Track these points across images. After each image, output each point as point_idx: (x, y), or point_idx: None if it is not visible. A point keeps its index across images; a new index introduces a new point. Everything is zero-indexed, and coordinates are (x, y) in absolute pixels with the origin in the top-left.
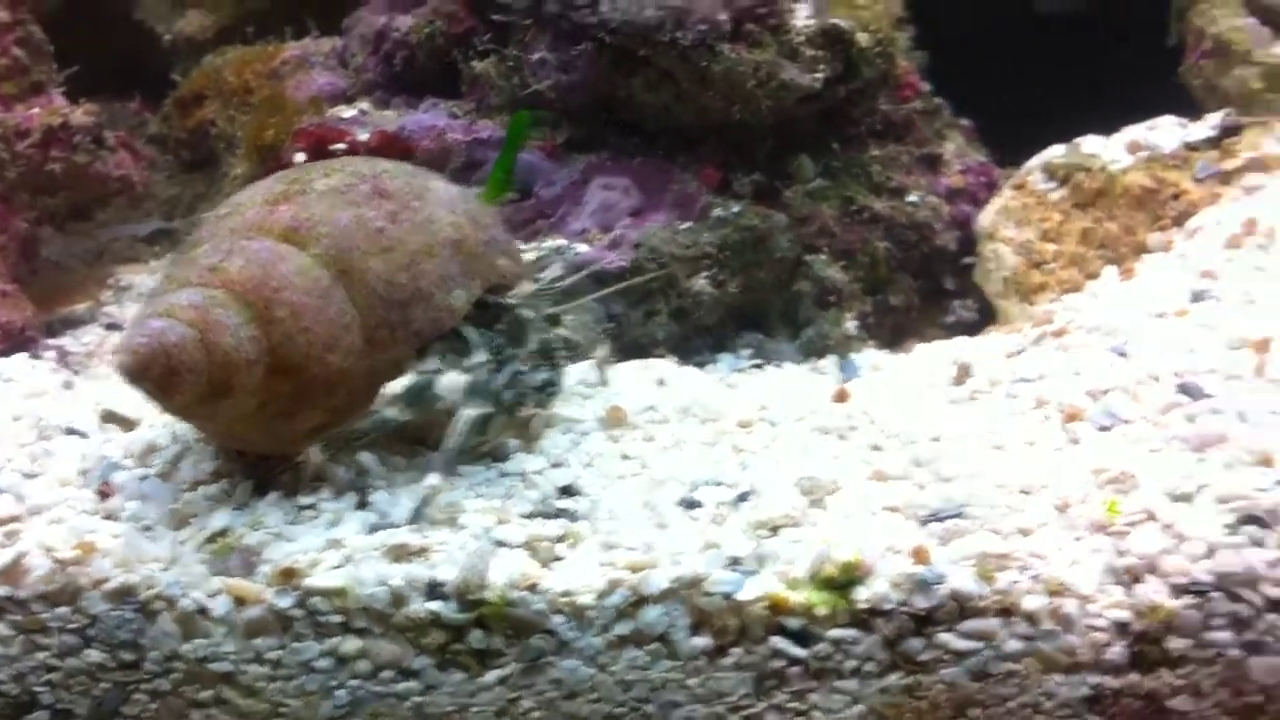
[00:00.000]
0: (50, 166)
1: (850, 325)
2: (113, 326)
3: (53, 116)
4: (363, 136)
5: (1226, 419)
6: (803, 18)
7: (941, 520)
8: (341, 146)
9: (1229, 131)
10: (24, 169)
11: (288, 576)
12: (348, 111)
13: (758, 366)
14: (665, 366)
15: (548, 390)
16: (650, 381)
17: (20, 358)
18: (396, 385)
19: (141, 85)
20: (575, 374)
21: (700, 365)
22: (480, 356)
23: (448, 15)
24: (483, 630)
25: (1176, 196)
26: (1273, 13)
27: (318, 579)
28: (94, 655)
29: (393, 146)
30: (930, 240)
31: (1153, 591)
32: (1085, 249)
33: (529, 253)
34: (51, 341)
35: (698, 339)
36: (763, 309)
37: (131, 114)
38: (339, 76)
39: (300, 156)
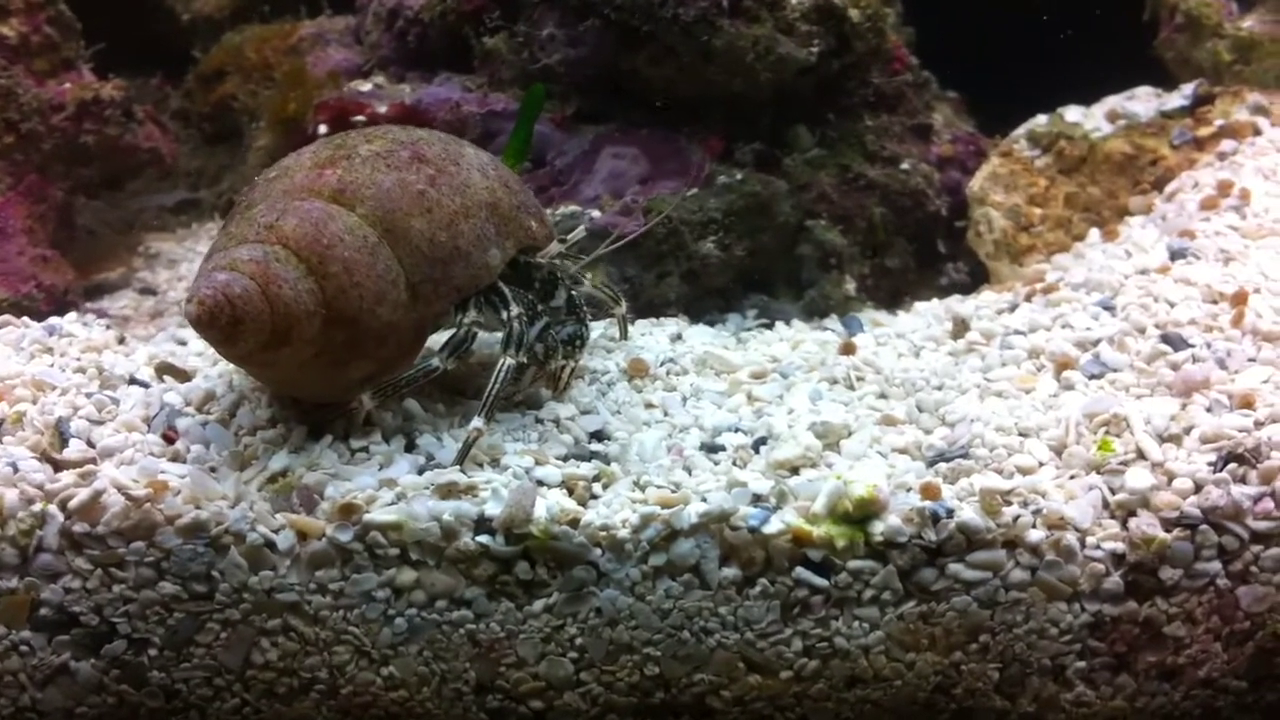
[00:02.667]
0: (83, 139)
1: (850, 287)
2: (145, 291)
3: (84, 91)
4: (381, 109)
5: (1208, 366)
6: None
7: (948, 460)
8: (361, 119)
9: (1202, 100)
10: (59, 141)
11: (347, 512)
12: (365, 85)
13: (765, 326)
14: (677, 323)
15: (576, 342)
16: (666, 336)
17: (72, 316)
18: (439, 337)
19: (162, 62)
20: (597, 329)
21: (710, 324)
22: (515, 310)
23: None
24: (528, 562)
25: (1154, 162)
26: None
27: (375, 515)
28: (168, 587)
29: (411, 118)
30: (923, 206)
31: (1146, 525)
32: (1070, 212)
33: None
34: (90, 305)
35: (707, 299)
36: (767, 271)
37: (154, 89)
38: (355, 52)
39: (323, 129)
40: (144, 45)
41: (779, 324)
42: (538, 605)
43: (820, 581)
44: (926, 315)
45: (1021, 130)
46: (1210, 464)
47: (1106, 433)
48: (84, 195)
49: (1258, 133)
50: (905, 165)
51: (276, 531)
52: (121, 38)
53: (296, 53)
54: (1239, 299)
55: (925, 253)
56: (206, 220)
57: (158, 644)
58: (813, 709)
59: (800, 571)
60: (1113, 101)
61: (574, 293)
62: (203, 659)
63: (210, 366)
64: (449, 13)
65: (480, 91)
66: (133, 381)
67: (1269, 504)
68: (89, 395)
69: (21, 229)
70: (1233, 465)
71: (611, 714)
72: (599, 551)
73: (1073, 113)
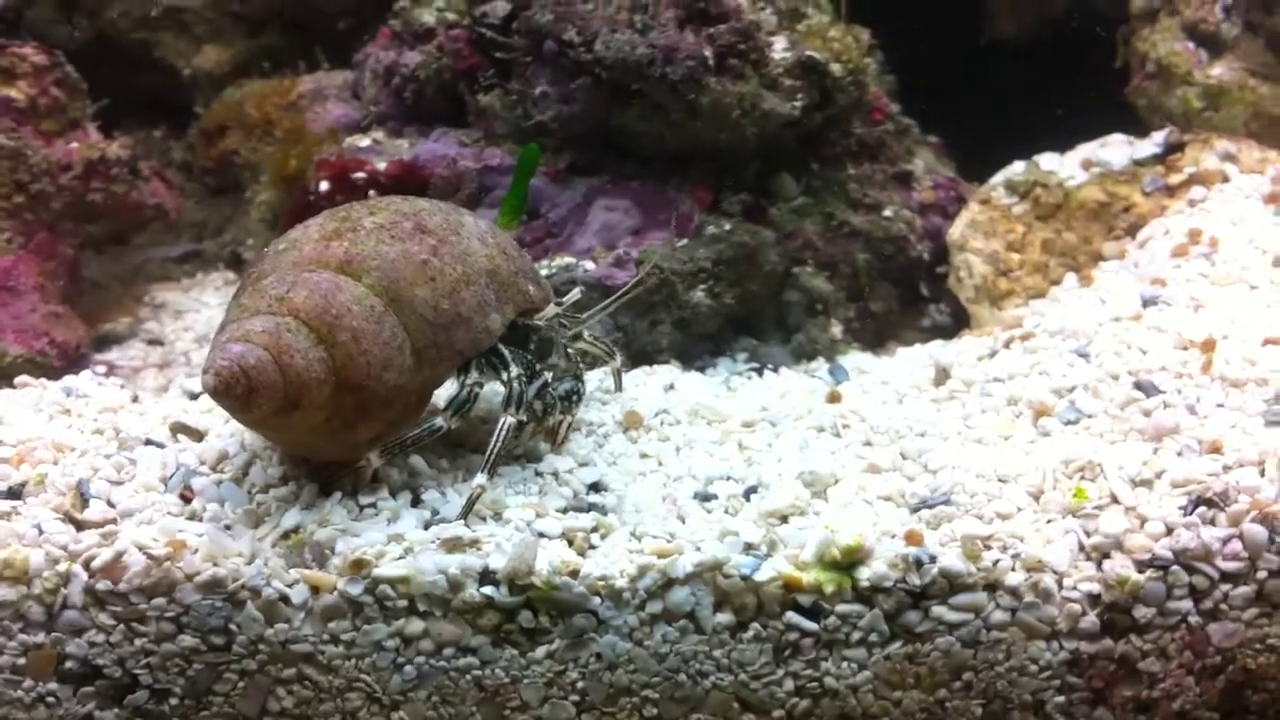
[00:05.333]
0: (91, 196)
1: (836, 330)
2: (153, 342)
3: (91, 150)
4: (381, 165)
5: (1178, 412)
6: (780, 50)
7: (930, 507)
8: (361, 175)
9: (1173, 148)
10: (67, 200)
11: (358, 567)
12: (363, 141)
13: (755, 370)
14: (669, 371)
15: (573, 398)
16: (659, 386)
17: (86, 375)
18: (442, 397)
19: (165, 114)
20: (593, 380)
21: (701, 369)
22: (514, 371)
23: (453, 52)
24: (531, 611)
25: (1127, 209)
26: (1209, 37)
27: (384, 569)
28: (187, 640)
29: (409, 174)
30: (906, 251)
31: (1120, 566)
32: (1047, 258)
33: (542, 270)
34: (99, 357)
35: (698, 345)
36: (756, 317)
37: (157, 142)
38: (353, 108)
39: (324, 185)
40: (147, 99)
41: (768, 372)
42: (540, 652)
43: (810, 625)
44: (910, 362)
45: (999, 178)
46: (1181, 508)
47: (1082, 478)
48: (91, 250)
49: (1226, 179)
50: (888, 212)
51: (291, 586)
52: (124, 92)
53: (296, 109)
54: (1208, 346)
55: (908, 295)
56: (211, 270)
57: (178, 694)
58: None
59: (791, 616)
60: (1087, 149)
61: (570, 350)
62: (221, 707)
63: (222, 425)
64: (444, 70)
65: (476, 146)
66: (148, 442)
67: (1237, 545)
68: (107, 456)
69: (33, 286)
70: (1202, 509)
71: None
72: (598, 600)
73: (1048, 160)
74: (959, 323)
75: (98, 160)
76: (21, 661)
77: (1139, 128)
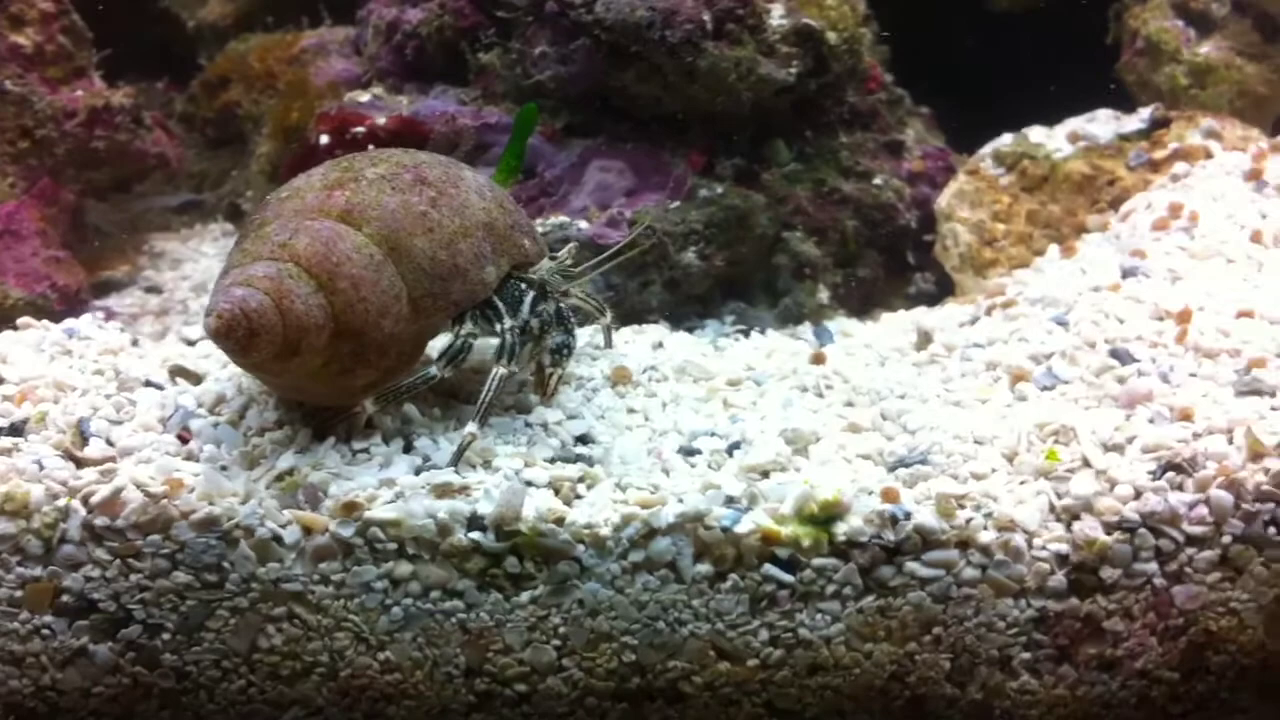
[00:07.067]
0: (94, 144)
1: (823, 295)
2: (151, 289)
3: (95, 98)
4: (380, 120)
5: (1152, 380)
6: (778, 17)
7: (907, 466)
8: (361, 130)
9: (1158, 124)
10: (71, 146)
11: (350, 509)
12: (364, 96)
13: (742, 332)
14: (658, 330)
15: (563, 351)
16: (648, 344)
17: (87, 318)
18: (436, 346)
19: (168, 67)
20: (583, 337)
21: (690, 330)
22: (508, 323)
23: (455, 10)
24: (517, 557)
25: (1112, 183)
26: (1199, 15)
27: (375, 512)
28: (181, 577)
29: (408, 130)
30: (894, 219)
31: (1088, 528)
32: (1032, 229)
33: (537, 228)
34: (98, 303)
35: (687, 306)
36: (745, 280)
37: (160, 94)
38: (354, 63)
39: (324, 139)
40: (150, 50)
41: (754, 333)
42: (524, 597)
43: (787, 577)
44: (893, 326)
45: (988, 149)
46: (1150, 472)
47: (1055, 442)
48: (93, 198)
49: (1209, 156)
50: (878, 180)
51: (283, 526)
52: (129, 43)
53: (299, 63)
54: (1184, 317)
55: (895, 263)
56: (210, 221)
57: (171, 629)
58: (777, 694)
59: (768, 568)
60: (1074, 123)
61: (562, 305)
62: (212, 643)
63: (220, 369)
64: (445, 28)
65: (475, 105)
66: (148, 384)
67: (1203, 510)
68: (108, 396)
69: (35, 231)
70: (1171, 474)
71: (591, 697)
72: (582, 548)
73: (1036, 133)
74: (944, 291)
75: (102, 108)
76: (19, 594)
77: (1130, 103)
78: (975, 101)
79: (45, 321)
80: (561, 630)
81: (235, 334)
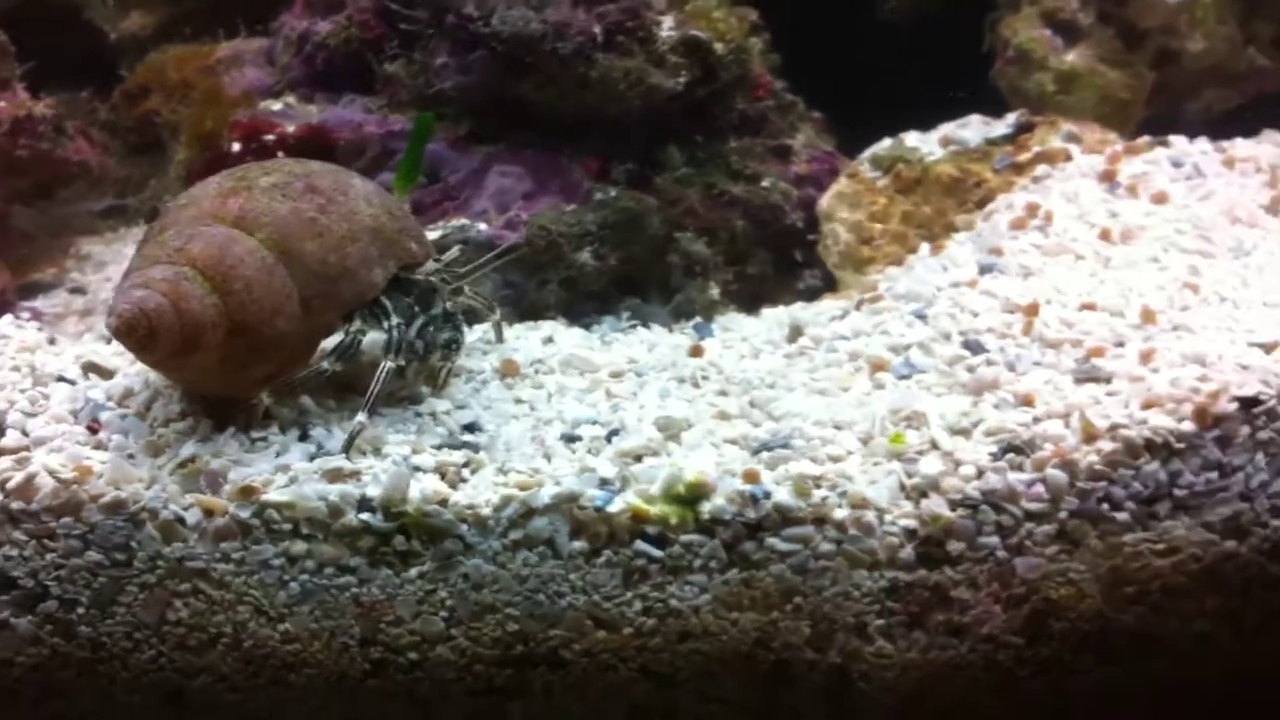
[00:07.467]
0: (18, 153)
1: (714, 292)
2: (76, 290)
3: (19, 109)
4: (290, 128)
5: (998, 369)
6: (667, 29)
7: (770, 449)
8: (271, 137)
9: (1023, 129)
10: None
11: (247, 493)
12: (276, 105)
13: (634, 328)
14: (553, 326)
15: (452, 346)
16: (539, 339)
17: (8, 319)
18: (329, 343)
19: (92, 77)
20: (477, 333)
21: (586, 326)
22: (395, 320)
23: (361, 22)
24: (404, 536)
25: (979, 184)
26: (1066, 25)
27: (271, 495)
28: (93, 555)
29: (317, 137)
30: (781, 220)
31: (935, 505)
32: (906, 229)
33: (435, 231)
34: (25, 304)
35: (584, 304)
36: (641, 278)
37: (84, 103)
38: (267, 73)
39: (236, 145)
40: (76, 62)
41: (640, 328)
42: (413, 572)
43: (656, 552)
44: (770, 321)
45: (866, 154)
46: (991, 454)
47: (907, 426)
48: (19, 203)
49: (1069, 158)
50: (766, 183)
51: (186, 509)
52: (54, 55)
53: (214, 73)
54: (1031, 310)
55: (783, 261)
56: (133, 225)
57: (85, 603)
58: (651, 660)
59: (639, 544)
60: (947, 128)
61: (449, 304)
62: (124, 617)
63: (129, 365)
64: (353, 39)
65: (381, 113)
66: (61, 379)
67: (1040, 488)
68: (23, 391)
69: None
70: (1011, 455)
71: (479, 665)
72: (465, 527)
73: (912, 138)
74: (829, 287)
75: (24, 118)
76: None
77: (1004, 108)
78: (870, 107)
79: None
80: (449, 603)
81: (136, 333)
